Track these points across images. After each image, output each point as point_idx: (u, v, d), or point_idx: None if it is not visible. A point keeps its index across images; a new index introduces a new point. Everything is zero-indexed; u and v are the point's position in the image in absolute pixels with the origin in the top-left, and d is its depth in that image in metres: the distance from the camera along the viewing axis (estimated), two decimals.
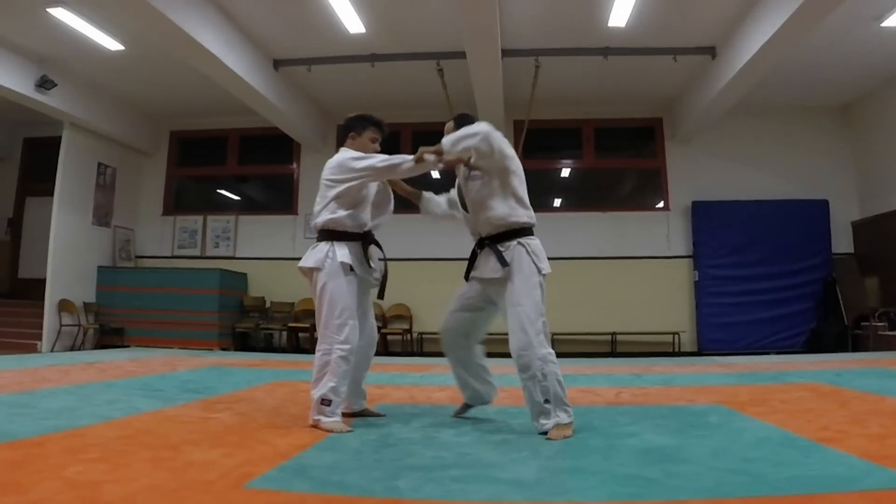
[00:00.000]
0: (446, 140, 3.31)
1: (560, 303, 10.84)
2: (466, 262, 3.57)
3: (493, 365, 3.76)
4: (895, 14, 7.87)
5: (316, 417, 3.33)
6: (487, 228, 3.45)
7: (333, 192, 3.53)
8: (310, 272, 3.52)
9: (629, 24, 8.38)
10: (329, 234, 3.54)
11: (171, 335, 10.30)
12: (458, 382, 3.70)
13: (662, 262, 11.07)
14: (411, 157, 3.42)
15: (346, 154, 3.63)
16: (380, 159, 3.52)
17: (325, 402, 3.31)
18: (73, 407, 3.89)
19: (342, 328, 3.38)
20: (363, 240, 3.59)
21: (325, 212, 3.54)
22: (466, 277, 3.55)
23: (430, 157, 3.33)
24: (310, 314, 10.62)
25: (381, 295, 3.71)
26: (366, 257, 3.58)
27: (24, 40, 8.71)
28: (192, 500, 2.06)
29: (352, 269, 3.46)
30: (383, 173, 3.54)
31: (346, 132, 3.79)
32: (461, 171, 3.58)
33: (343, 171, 3.53)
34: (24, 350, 9.42)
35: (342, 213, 3.52)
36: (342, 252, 3.46)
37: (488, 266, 3.40)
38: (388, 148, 3.82)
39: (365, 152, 3.65)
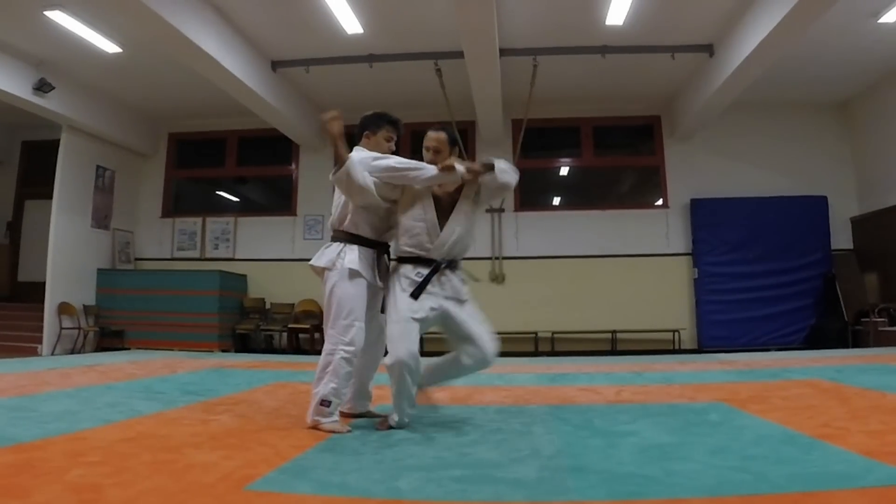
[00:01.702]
0: (501, 164, 3.46)
1: (560, 301, 10.92)
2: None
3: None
4: (892, 10, 7.87)
5: (315, 418, 3.33)
6: (456, 253, 3.54)
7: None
8: (321, 271, 3.50)
9: (626, 23, 8.38)
10: (343, 235, 3.52)
11: (171, 337, 10.30)
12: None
13: (662, 259, 11.08)
14: (433, 166, 3.42)
15: (362, 154, 3.56)
16: (397, 161, 3.48)
17: (324, 403, 3.32)
18: (74, 410, 3.89)
19: (348, 329, 3.36)
20: (376, 247, 3.58)
21: (344, 214, 3.53)
22: (417, 296, 3.40)
23: (461, 169, 3.36)
24: (309, 315, 10.70)
25: (383, 309, 3.64)
26: (377, 264, 3.56)
27: (22, 43, 8.71)
28: (193, 503, 2.06)
29: (360, 274, 3.43)
30: (402, 177, 3.45)
31: (361, 130, 3.74)
32: (468, 189, 3.55)
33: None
34: (25, 353, 9.42)
35: (358, 216, 3.51)
36: (351, 256, 3.44)
37: (456, 287, 3.54)
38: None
39: (379, 151, 3.60)
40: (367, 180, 3.37)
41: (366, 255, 3.50)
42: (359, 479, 2.33)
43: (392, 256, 3.69)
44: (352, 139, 3.64)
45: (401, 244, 3.54)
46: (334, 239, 3.56)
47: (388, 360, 3.30)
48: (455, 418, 3.72)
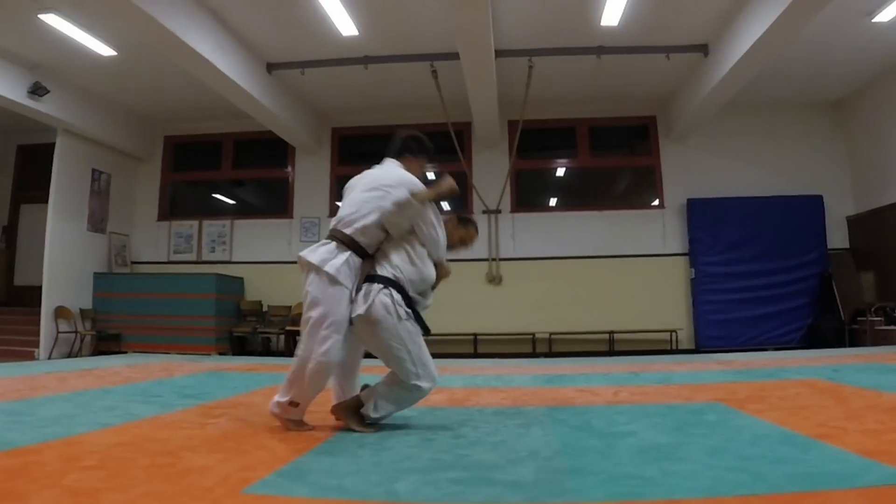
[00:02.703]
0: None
1: (557, 302, 10.93)
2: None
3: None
4: (886, 9, 7.90)
5: (284, 416, 3.38)
6: None
7: (389, 196, 3.39)
8: (310, 268, 3.35)
9: (622, 23, 8.40)
10: (342, 236, 3.40)
11: (168, 340, 10.29)
12: None
13: (659, 259, 11.09)
14: (443, 253, 3.59)
15: (406, 175, 3.52)
16: (439, 222, 3.50)
17: (293, 403, 3.34)
18: (70, 414, 3.88)
19: (326, 340, 3.25)
20: (365, 259, 3.47)
21: (361, 222, 3.40)
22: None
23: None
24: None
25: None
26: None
27: (16, 47, 8.70)
28: None
29: (340, 282, 3.31)
30: (426, 234, 3.45)
31: (403, 149, 3.71)
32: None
33: (404, 181, 3.45)
34: (22, 357, 9.40)
35: (371, 228, 3.41)
36: (338, 262, 3.32)
37: None
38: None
39: (414, 176, 3.56)
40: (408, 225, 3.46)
41: (355, 264, 3.39)
42: (356, 482, 2.33)
43: (380, 273, 3.43)
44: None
45: (400, 266, 3.40)
46: (332, 237, 3.44)
47: (428, 383, 3.34)
48: (452, 420, 3.71)
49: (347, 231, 3.41)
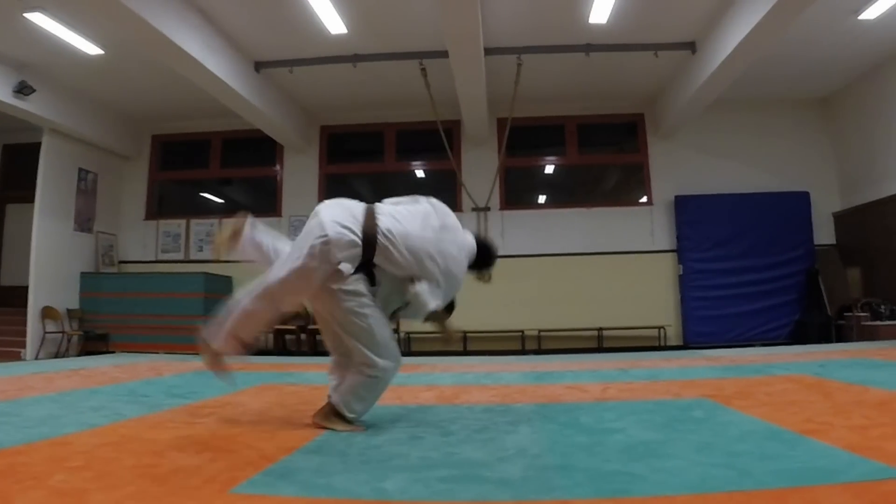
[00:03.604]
0: None
1: (546, 299, 10.95)
2: None
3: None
4: (872, 7, 7.96)
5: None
6: None
7: (429, 276, 3.33)
8: (324, 239, 3.17)
9: (610, 21, 8.43)
10: (369, 252, 3.21)
11: (156, 340, 10.25)
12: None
13: (647, 256, 11.14)
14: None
15: (458, 280, 3.53)
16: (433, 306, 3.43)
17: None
18: (57, 414, 3.86)
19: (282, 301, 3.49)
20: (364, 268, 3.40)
21: (393, 265, 3.27)
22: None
23: None
24: (296, 316, 10.60)
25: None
26: None
27: (2, 46, 8.64)
28: None
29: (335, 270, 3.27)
30: (416, 305, 3.41)
31: (482, 260, 3.87)
32: None
33: (451, 283, 3.45)
34: (8, 358, 9.35)
35: (391, 269, 3.31)
36: (348, 268, 3.19)
37: None
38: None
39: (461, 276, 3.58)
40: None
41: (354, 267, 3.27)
42: (344, 481, 2.32)
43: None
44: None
45: (382, 285, 3.36)
46: (367, 232, 3.21)
47: (392, 362, 3.30)
48: (441, 418, 3.71)
49: (377, 248, 3.22)
